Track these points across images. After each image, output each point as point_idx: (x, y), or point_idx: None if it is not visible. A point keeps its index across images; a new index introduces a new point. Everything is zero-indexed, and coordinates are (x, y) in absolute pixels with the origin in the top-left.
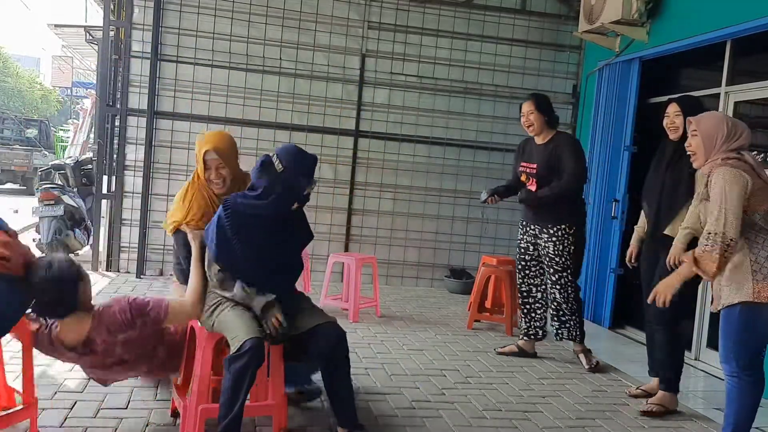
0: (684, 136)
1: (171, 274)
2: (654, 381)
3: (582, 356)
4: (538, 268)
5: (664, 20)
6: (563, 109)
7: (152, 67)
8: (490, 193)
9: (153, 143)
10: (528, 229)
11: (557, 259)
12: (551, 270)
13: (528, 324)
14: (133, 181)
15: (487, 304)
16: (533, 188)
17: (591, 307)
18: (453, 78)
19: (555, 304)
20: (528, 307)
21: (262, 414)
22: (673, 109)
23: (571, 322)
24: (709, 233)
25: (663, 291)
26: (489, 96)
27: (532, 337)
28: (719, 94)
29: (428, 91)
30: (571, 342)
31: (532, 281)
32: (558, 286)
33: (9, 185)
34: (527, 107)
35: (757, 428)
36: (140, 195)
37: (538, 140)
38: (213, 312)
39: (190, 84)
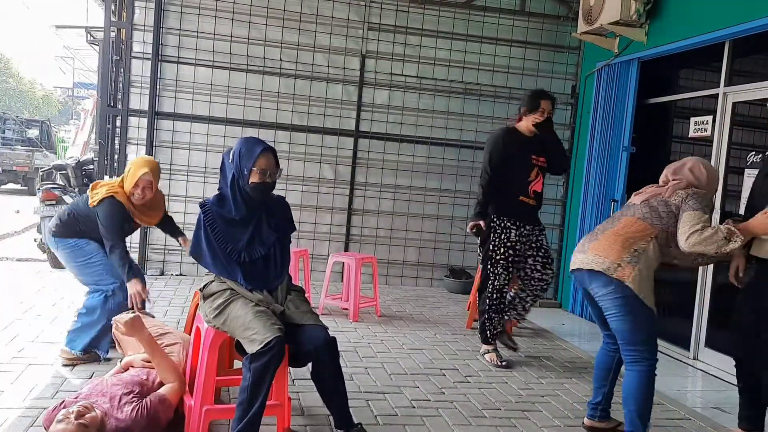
0: None
1: (172, 274)
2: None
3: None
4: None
5: (663, 21)
6: (562, 109)
7: (153, 68)
8: None
9: (154, 144)
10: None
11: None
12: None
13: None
14: None
15: None
16: None
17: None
18: (452, 79)
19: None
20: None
21: (265, 414)
22: None
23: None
24: None
25: None
26: (488, 97)
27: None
28: (718, 94)
29: (428, 92)
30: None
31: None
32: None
33: (10, 185)
34: None
35: None
36: None
37: None
38: (222, 311)
39: (191, 85)
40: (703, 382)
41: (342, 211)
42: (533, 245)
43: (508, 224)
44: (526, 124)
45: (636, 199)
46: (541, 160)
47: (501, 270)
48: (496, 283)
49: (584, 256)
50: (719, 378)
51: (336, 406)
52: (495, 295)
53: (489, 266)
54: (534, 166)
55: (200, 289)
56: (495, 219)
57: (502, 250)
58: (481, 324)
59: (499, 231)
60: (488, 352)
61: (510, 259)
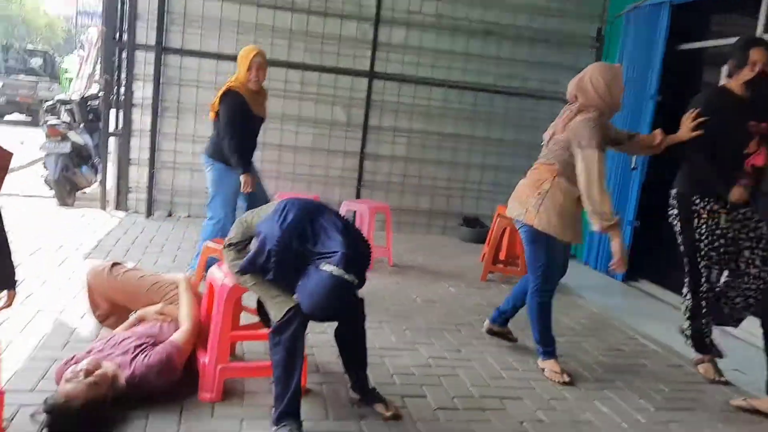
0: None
1: (180, 216)
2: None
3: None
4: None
5: None
6: (585, 53)
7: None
8: None
9: (161, 80)
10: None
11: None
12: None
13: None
14: (141, 119)
15: (501, 255)
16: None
17: (604, 260)
18: (473, 18)
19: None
20: None
21: None
22: None
23: None
24: None
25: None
26: (510, 37)
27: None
28: None
29: (447, 31)
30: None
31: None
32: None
33: (15, 116)
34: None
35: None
36: (149, 133)
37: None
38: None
39: (200, 18)
40: (723, 343)
41: (354, 156)
42: (750, 234)
43: (715, 207)
44: (737, 83)
45: (546, 136)
46: (764, 126)
47: (712, 263)
48: (710, 280)
49: (509, 206)
50: (739, 338)
51: (356, 368)
52: (710, 295)
53: (698, 260)
54: (753, 135)
55: (227, 244)
56: (697, 201)
57: (710, 239)
58: (695, 330)
59: (705, 216)
60: (703, 362)
61: (722, 249)
